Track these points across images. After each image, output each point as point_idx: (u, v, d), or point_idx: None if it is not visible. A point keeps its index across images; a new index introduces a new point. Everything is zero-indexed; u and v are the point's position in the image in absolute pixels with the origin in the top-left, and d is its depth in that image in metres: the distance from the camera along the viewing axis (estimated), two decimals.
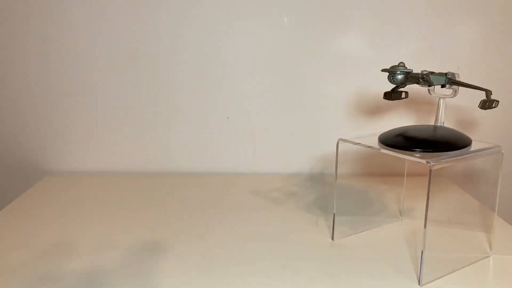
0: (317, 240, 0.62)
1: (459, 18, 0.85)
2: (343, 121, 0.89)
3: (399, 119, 0.87)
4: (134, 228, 0.66)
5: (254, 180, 0.87)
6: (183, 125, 0.90)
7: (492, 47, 0.87)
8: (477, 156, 0.52)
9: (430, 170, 0.47)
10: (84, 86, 0.87)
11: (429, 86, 0.55)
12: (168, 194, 0.80)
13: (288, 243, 0.61)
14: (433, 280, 0.51)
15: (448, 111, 0.59)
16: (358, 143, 0.56)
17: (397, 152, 0.51)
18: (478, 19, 0.85)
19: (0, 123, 0.89)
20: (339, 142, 0.58)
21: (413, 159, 0.50)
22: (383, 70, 0.54)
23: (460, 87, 0.54)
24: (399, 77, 0.54)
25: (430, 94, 0.57)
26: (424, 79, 0.54)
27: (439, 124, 0.57)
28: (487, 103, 0.52)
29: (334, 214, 0.61)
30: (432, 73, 0.54)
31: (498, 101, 0.52)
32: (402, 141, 0.53)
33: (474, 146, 0.53)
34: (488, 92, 0.52)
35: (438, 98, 0.57)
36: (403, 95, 0.61)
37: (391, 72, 0.54)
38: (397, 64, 0.54)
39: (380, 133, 0.57)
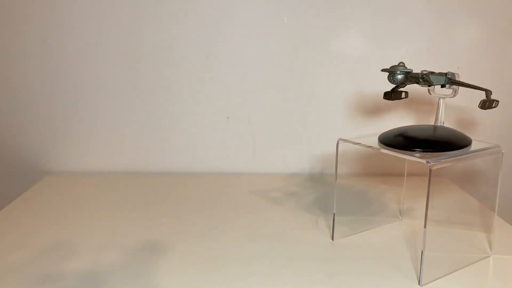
0: (317, 240, 0.62)
1: (459, 18, 0.85)
2: (343, 121, 0.89)
3: (399, 119, 0.87)
4: (134, 228, 0.66)
5: (254, 180, 0.87)
6: (183, 125, 0.90)
7: (492, 47, 0.87)
8: (477, 156, 0.52)
9: (430, 170, 0.47)
10: (84, 86, 0.87)
11: (429, 86, 0.55)
12: (168, 194, 0.80)
13: (288, 243, 0.61)
14: (433, 280, 0.51)
15: (448, 111, 0.58)
16: (358, 143, 0.56)
17: (397, 152, 0.51)
18: (478, 19, 0.85)
19: (0, 123, 0.89)
20: (339, 142, 0.58)
21: (413, 159, 0.50)
22: (383, 70, 0.54)
23: (460, 87, 0.54)
24: (399, 77, 0.54)
25: (430, 94, 0.57)
26: (424, 79, 0.54)
27: (439, 124, 0.57)
28: (487, 103, 0.51)
29: (334, 214, 0.61)
30: (432, 73, 0.54)
31: (498, 101, 0.52)
32: (402, 141, 0.53)
33: (474, 146, 0.53)
34: (488, 92, 0.52)
35: (438, 98, 0.57)
36: (403, 95, 0.61)
37: (391, 72, 0.54)
38: (397, 64, 0.54)
39: (380, 133, 0.57)
